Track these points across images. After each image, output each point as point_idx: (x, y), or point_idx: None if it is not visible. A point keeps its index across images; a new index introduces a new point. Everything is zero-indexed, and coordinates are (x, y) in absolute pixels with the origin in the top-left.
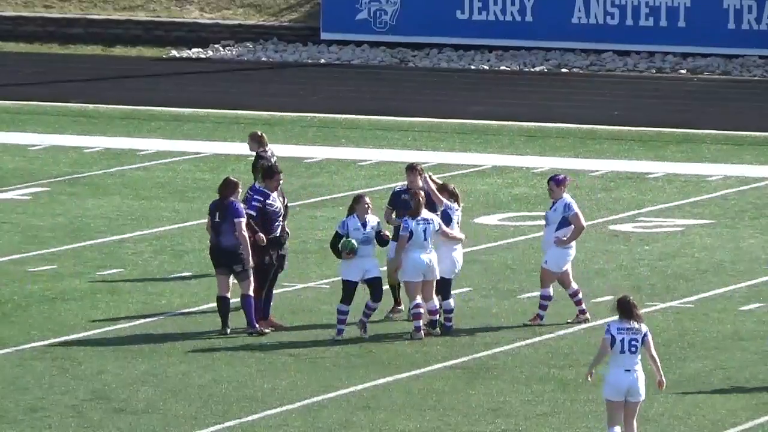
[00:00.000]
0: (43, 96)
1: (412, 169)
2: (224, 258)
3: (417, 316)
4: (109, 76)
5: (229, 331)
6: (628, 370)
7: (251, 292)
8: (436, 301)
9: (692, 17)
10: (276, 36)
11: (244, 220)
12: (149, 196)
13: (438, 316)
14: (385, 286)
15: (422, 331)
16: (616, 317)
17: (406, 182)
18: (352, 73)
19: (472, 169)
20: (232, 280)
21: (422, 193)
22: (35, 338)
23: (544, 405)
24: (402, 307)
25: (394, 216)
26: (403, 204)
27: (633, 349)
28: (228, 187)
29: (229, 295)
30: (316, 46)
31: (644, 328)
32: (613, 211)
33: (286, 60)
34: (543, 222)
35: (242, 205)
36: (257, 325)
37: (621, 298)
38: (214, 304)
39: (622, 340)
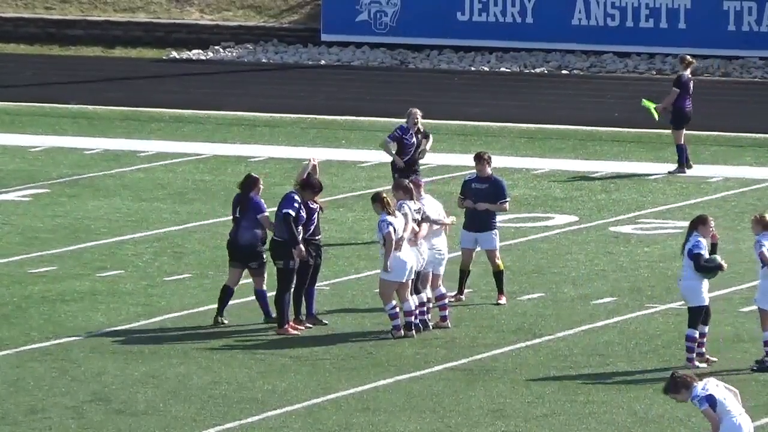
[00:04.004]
0: (44, 97)
1: (479, 158)
2: (239, 253)
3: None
4: (110, 78)
5: (223, 321)
6: (741, 414)
7: (265, 287)
8: (417, 298)
9: (692, 19)
10: (276, 37)
11: (266, 214)
12: (149, 198)
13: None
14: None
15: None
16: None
17: (475, 171)
18: (352, 74)
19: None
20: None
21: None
22: (35, 339)
23: (544, 406)
24: (463, 297)
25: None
26: (474, 192)
27: (732, 392)
28: (248, 182)
29: (234, 288)
30: (316, 47)
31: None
32: (614, 213)
33: (286, 61)
34: (540, 223)
35: (262, 201)
36: (272, 315)
37: (674, 379)
38: (214, 305)
39: (720, 392)
